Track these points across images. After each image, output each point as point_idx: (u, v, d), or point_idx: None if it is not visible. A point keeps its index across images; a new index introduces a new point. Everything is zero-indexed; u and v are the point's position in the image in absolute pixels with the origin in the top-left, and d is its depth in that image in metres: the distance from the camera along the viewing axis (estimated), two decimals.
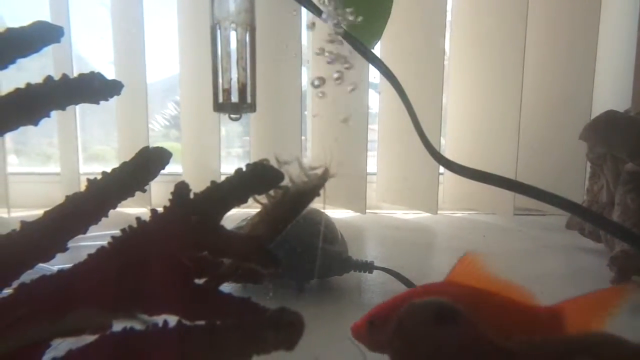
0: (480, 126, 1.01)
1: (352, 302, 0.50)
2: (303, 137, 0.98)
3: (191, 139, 1.00)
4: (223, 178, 0.24)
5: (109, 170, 0.26)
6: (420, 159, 0.93)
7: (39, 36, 0.24)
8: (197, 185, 0.24)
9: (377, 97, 1.06)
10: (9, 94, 0.24)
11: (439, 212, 0.98)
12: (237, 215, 0.51)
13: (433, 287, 0.28)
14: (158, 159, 0.25)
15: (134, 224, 0.23)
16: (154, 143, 1.07)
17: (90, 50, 1.15)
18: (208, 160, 0.98)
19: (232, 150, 1.25)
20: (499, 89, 0.97)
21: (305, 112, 1.05)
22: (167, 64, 1.14)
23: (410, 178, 1.00)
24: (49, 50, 0.64)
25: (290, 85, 0.95)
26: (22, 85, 0.24)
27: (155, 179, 0.26)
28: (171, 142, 1.29)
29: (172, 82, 1.12)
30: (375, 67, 0.52)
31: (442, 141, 1.03)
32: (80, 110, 0.99)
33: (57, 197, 0.30)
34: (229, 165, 1.16)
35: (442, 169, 0.96)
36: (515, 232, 0.89)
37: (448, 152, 1.04)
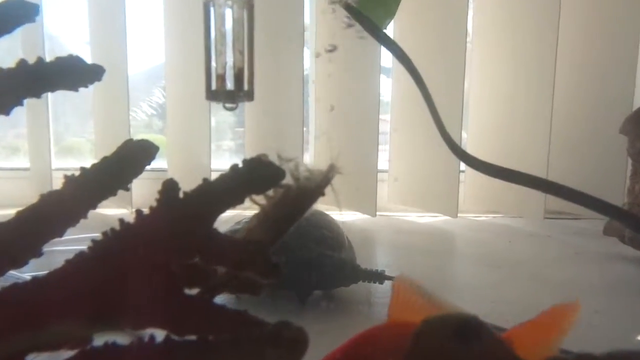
0: (507, 118, 1.01)
1: (361, 316, 0.51)
2: (305, 129, 0.99)
3: (177, 131, 1.01)
4: (213, 175, 0.24)
5: (86, 165, 0.26)
6: (438, 155, 0.94)
7: (12, 16, 0.24)
8: (185, 183, 0.24)
9: (389, 83, 1.06)
10: None
11: (459, 215, 0.99)
12: (232, 218, 0.51)
13: (375, 331, 0.27)
14: (143, 153, 0.26)
15: (117, 227, 0.23)
16: (135, 135, 1.07)
17: (62, 28, 1.15)
18: (196, 154, 0.99)
19: (223, 144, 1.26)
20: (528, 75, 0.97)
21: (309, 99, 1.05)
22: (152, 49, 1.15)
23: (427, 176, 1.01)
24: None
25: (290, 69, 0.96)
26: None
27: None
28: (155, 134, 1.30)
29: (157, 71, 1.12)
30: (388, 49, 0.52)
31: (464, 134, 1.03)
32: (53, 97, 1.00)
33: (26, 195, 0.30)
34: (220, 160, 1.17)
35: (463, 166, 0.96)
36: (545, 238, 0.89)
37: (470, 147, 1.04)
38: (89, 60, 0.26)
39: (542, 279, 0.65)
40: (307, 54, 1.00)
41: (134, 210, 0.23)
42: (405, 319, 0.26)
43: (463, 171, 1.02)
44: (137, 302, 0.23)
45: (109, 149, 0.26)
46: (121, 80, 0.94)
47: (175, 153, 1.00)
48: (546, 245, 0.84)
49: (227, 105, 0.33)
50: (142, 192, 0.69)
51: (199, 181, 0.24)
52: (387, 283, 0.54)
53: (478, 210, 1.06)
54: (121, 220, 0.23)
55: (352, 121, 0.99)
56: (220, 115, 1.20)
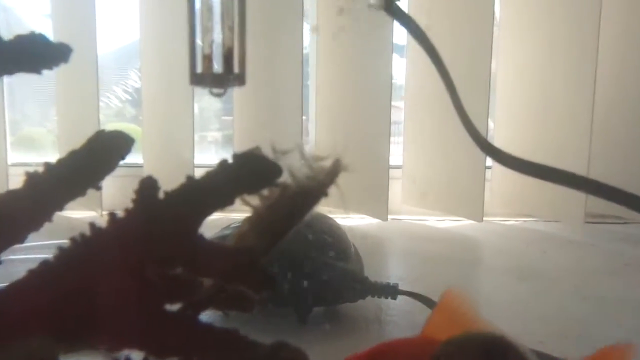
0: (541, 106, 1.01)
1: (369, 337, 0.51)
2: (304, 117, 0.99)
3: (155, 120, 1.01)
4: (197, 172, 0.24)
5: (50, 160, 0.26)
6: (460, 148, 0.94)
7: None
8: (165, 182, 0.25)
9: (403, 64, 1.06)
10: None
11: (484, 218, 0.99)
12: (221, 222, 0.51)
13: (399, 344, 0.30)
14: (117, 147, 0.26)
15: (87, 232, 0.24)
16: (105, 124, 1.08)
17: None
18: (177, 147, 0.99)
19: (208, 135, 1.26)
20: (566, 59, 0.97)
21: (308, 82, 1.05)
22: (125, 24, 1.15)
23: (447, 173, 1.01)
24: None
25: (288, 48, 0.96)
26: None
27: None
28: (128, 123, 1.30)
29: (131, 49, 1.13)
30: (402, 24, 0.52)
31: (490, 124, 1.03)
32: (9, 80, 1.00)
33: None
34: (205, 154, 1.17)
35: (489, 161, 0.96)
36: (587, 246, 0.89)
37: (497, 139, 1.04)
38: (50, 37, 0.27)
39: (583, 295, 0.65)
40: (307, 30, 1.01)
41: (104, 213, 0.24)
42: (441, 336, 0.26)
43: (489, 167, 1.02)
44: (110, 319, 0.23)
45: (75, 141, 0.27)
46: (89, 60, 0.95)
47: (152, 146, 1.01)
48: (588, 255, 0.85)
49: (215, 90, 0.33)
50: (114, 192, 0.70)
51: (181, 179, 0.25)
52: (401, 299, 0.54)
53: (507, 213, 1.06)
54: (92, 225, 0.24)
55: (359, 108, 0.99)
56: (204, 102, 1.20)
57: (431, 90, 0.95)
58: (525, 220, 1.05)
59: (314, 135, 1.06)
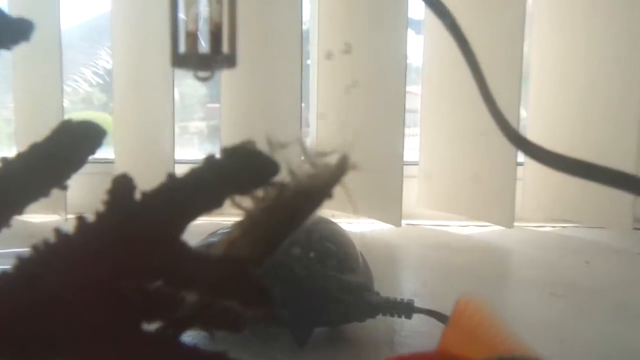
0: (581, 94, 1.01)
1: None
2: (303, 105, 0.99)
3: (128, 107, 1.01)
4: (178, 169, 0.25)
5: (7, 154, 0.26)
6: (487, 141, 0.94)
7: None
8: (141, 181, 0.25)
9: (420, 42, 1.06)
10: None
11: (515, 224, 0.99)
12: (206, 227, 0.51)
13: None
14: (87, 139, 0.26)
15: (51, 238, 0.24)
16: (68, 113, 1.08)
17: None
18: (155, 140, 0.99)
19: (190, 125, 1.26)
20: (611, 43, 0.97)
21: (308, 61, 1.05)
22: None
23: (471, 171, 1.01)
24: None
25: (284, 23, 0.96)
26: None
27: None
28: (97, 110, 1.30)
29: (100, 23, 1.13)
30: None
31: (522, 113, 1.03)
32: None
33: None
34: (186, 148, 1.17)
35: (521, 157, 0.96)
36: (636, 257, 0.89)
37: (531, 131, 1.04)
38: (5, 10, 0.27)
39: (632, 313, 0.65)
40: (307, 1, 1.01)
41: (69, 216, 0.24)
42: (460, 351, 0.26)
43: (521, 164, 1.02)
44: (77, 340, 0.23)
45: (36, 133, 0.27)
46: (51, 37, 0.95)
47: (124, 138, 1.01)
48: (637, 266, 0.85)
49: (200, 74, 0.34)
50: (80, 192, 0.70)
51: (160, 177, 0.25)
52: (416, 317, 0.54)
53: (542, 218, 1.06)
54: (57, 231, 0.24)
55: (368, 94, 0.99)
56: (185, 87, 1.20)
57: (452, 73, 0.95)
58: (563, 227, 1.05)
59: (315, 126, 1.06)
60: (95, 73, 1.22)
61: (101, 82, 1.22)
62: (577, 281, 0.77)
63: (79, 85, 1.21)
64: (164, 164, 0.97)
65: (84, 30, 1.27)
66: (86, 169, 0.28)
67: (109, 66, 1.19)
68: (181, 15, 0.35)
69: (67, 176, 0.26)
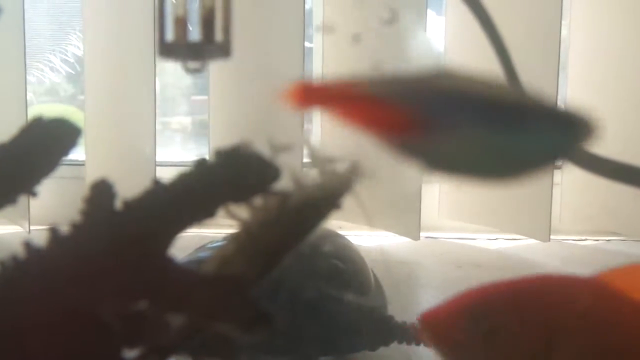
0: (630, 88, 1.01)
1: None
2: None
3: (102, 102, 1.01)
4: (159, 172, 0.25)
5: None
6: None
7: None
8: (118, 186, 0.25)
9: (441, 26, 1.06)
10: None
11: (552, 237, 0.99)
12: (194, 240, 0.51)
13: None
14: (60, 139, 0.26)
15: (20, 253, 0.24)
16: (31, 107, 1.08)
17: None
18: (132, 139, 0.99)
19: (172, 121, 1.26)
20: None
21: (311, 45, 1.05)
22: None
23: None
24: None
25: (285, 5, 0.96)
26: None
27: None
28: (64, 104, 1.30)
29: (69, 3, 1.13)
30: None
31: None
32: None
33: None
34: (166, 147, 1.17)
35: (558, 161, 0.96)
36: None
37: None
38: None
39: None
40: None
41: (32, 227, 0.24)
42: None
43: (559, 168, 1.02)
44: None
45: None
46: (14, 19, 0.95)
47: (97, 136, 1.01)
48: None
49: (191, 65, 0.34)
50: (45, 200, 0.70)
51: (139, 181, 0.25)
52: None
53: (583, 230, 1.06)
54: (27, 244, 0.24)
55: None
56: (166, 76, 1.20)
57: (477, 61, 0.96)
58: (607, 240, 1.05)
59: (319, 125, 1.06)
60: (63, 61, 1.22)
61: (72, 72, 1.23)
62: None
63: (44, 75, 1.21)
64: (143, 166, 0.97)
65: (51, 12, 1.28)
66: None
67: (79, 53, 1.19)
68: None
69: (37, 181, 0.26)
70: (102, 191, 0.24)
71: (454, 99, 0.27)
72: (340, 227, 0.60)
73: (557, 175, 1.01)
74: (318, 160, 0.25)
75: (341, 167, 0.26)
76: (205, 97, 1.03)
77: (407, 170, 0.97)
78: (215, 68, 1.00)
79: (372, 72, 0.27)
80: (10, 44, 0.96)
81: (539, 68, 0.91)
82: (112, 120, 1.02)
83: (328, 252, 0.54)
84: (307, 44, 0.99)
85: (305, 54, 0.98)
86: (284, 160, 0.25)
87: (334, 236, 0.58)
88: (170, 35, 0.36)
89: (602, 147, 0.49)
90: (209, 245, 0.55)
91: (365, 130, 0.27)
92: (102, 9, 1.00)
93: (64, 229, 0.24)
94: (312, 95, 0.28)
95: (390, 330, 0.53)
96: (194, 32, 0.35)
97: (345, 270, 0.53)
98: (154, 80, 0.98)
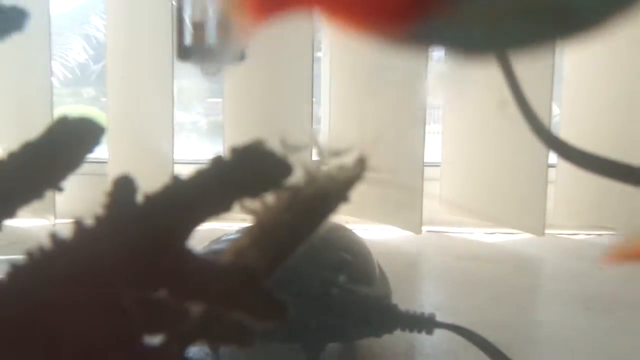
0: (622, 86, 1.01)
1: None
2: (314, 99, 0.99)
3: (124, 104, 1.02)
4: (178, 170, 0.25)
5: None
6: (515, 140, 0.94)
7: None
8: (141, 182, 0.25)
9: None
10: None
11: (547, 231, 0.99)
12: (210, 233, 0.51)
13: None
14: (85, 137, 0.27)
15: (47, 244, 0.24)
16: (58, 109, 1.09)
17: None
18: (152, 138, 1.00)
19: (188, 121, 1.26)
20: None
21: (319, 54, 1.05)
22: None
23: (498, 173, 1.01)
24: None
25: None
26: None
27: None
28: (87, 105, 1.31)
29: (91, 10, 1.13)
30: None
31: (555, 109, 1.03)
32: None
33: None
34: (182, 147, 1.17)
35: (553, 158, 0.96)
36: None
37: (564, 129, 1.04)
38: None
39: None
40: None
41: (57, 221, 0.24)
42: None
43: (553, 166, 1.02)
44: (76, 354, 0.23)
45: (24, 130, 0.27)
46: (40, 24, 0.96)
47: (119, 136, 1.01)
48: None
49: (208, 68, 0.34)
50: (70, 195, 0.70)
51: (158, 177, 0.25)
52: (438, 333, 0.54)
53: (576, 225, 1.06)
54: (53, 236, 0.24)
55: (386, 89, 0.99)
56: (181, 78, 1.20)
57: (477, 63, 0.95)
58: (600, 234, 1.05)
59: (328, 123, 1.06)
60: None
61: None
62: (615, 295, 0.76)
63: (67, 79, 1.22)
64: (163, 163, 0.97)
65: (73, 17, 1.28)
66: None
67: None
68: (186, 5, 0.35)
69: (63, 176, 0.26)
70: (124, 186, 0.24)
71: None
72: (347, 222, 0.60)
73: (552, 173, 1.00)
74: (326, 155, 0.25)
75: (348, 161, 0.26)
76: (219, 100, 1.03)
77: (410, 166, 0.97)
78: (229, 73, 1.00)
79: None
80: (34, 45, 0.97)
81: (535, 69, 0.90)
82: (133, 120, 1.02)
83: (336, 244, 0.54)
84: (317, 54, 0.99)
85: (314, 59, 0.98)
86: (294, 157, 0.25)
87: (342, 230, 0.58)
88: (188, 39, 0.36)
89: (595, 144, 0.49)
90: (224, 238, 0.55)
91: (362, 28, 0.22)
92: (121, 13, 1.00)
93: (88, 222, 0.24)
94: None
95: (394, 319, 0.53)
96: (212, 36, 0.35)
97: (352, 261, 0.53)
98: (172, 84, 0.98)
